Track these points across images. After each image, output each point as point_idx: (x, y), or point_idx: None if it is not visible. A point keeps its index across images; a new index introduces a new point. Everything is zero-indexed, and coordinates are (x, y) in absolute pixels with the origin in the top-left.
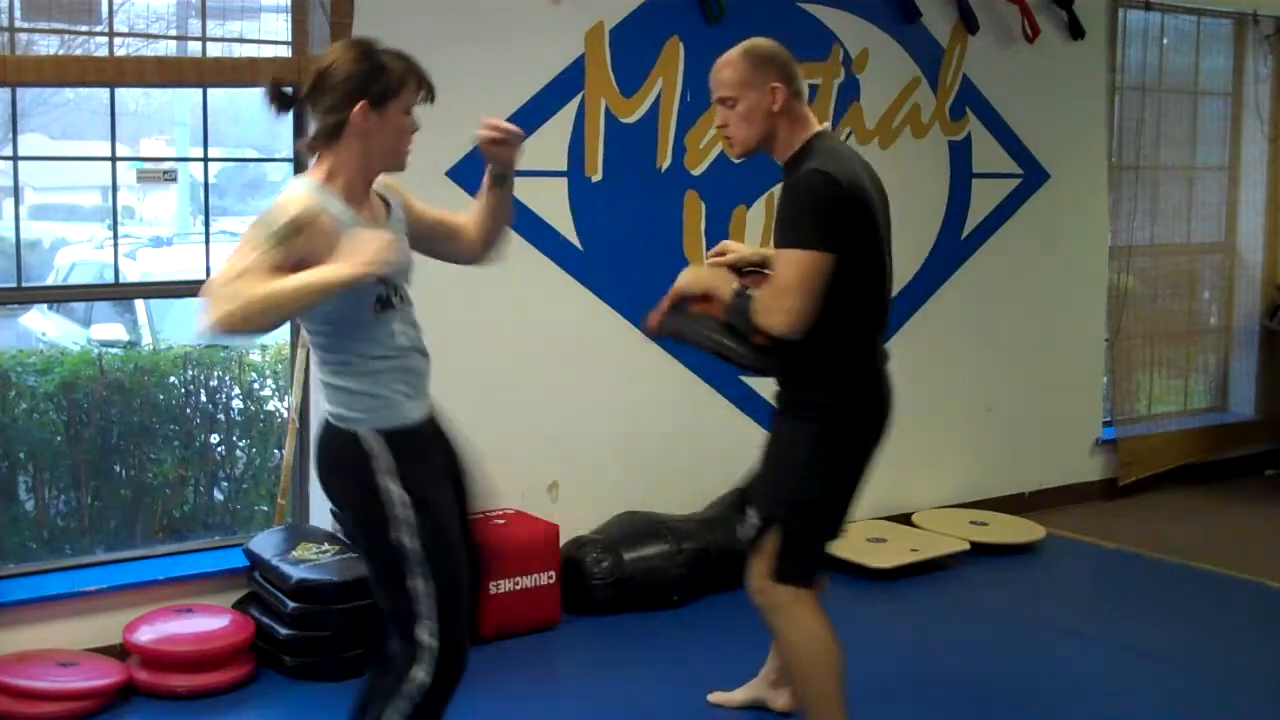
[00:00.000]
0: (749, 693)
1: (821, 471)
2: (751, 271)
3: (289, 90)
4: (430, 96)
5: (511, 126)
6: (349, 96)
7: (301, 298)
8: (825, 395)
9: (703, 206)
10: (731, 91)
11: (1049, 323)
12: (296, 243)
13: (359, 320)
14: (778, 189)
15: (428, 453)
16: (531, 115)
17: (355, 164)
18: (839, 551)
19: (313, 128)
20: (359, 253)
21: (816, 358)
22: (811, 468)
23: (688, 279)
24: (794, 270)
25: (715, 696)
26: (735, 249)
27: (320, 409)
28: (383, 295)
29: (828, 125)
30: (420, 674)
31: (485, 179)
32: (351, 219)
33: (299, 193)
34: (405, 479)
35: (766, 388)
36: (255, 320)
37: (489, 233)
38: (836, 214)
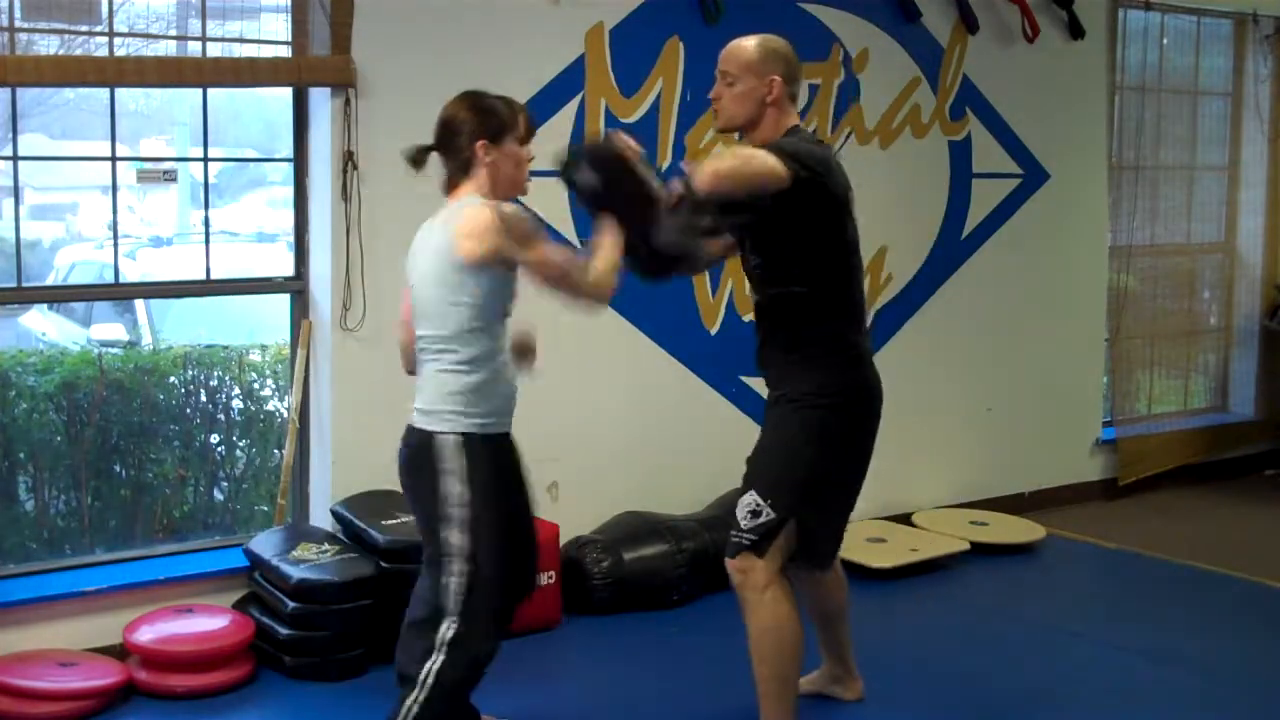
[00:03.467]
0: (811, 685)
1: (816, 452)
2: None
3: (418, 150)
4: (532, 132)
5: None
6: (471, 137)
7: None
8: (812, 381)
9: None
10: (734, 70)
11: (1049, 323)
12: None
13: (495, 321)
14: None
15: (505, 459)
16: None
17: (485, 192)
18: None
19: (446, 171)
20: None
21: (803, 345)
22: (806, 449)
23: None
24: (747, 152)
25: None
26: None
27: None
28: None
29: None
30: (437, 663)
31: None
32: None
33: (485, 205)
34: (472, 482)
35: (766, 388)
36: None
37: None
38: (805, 169)
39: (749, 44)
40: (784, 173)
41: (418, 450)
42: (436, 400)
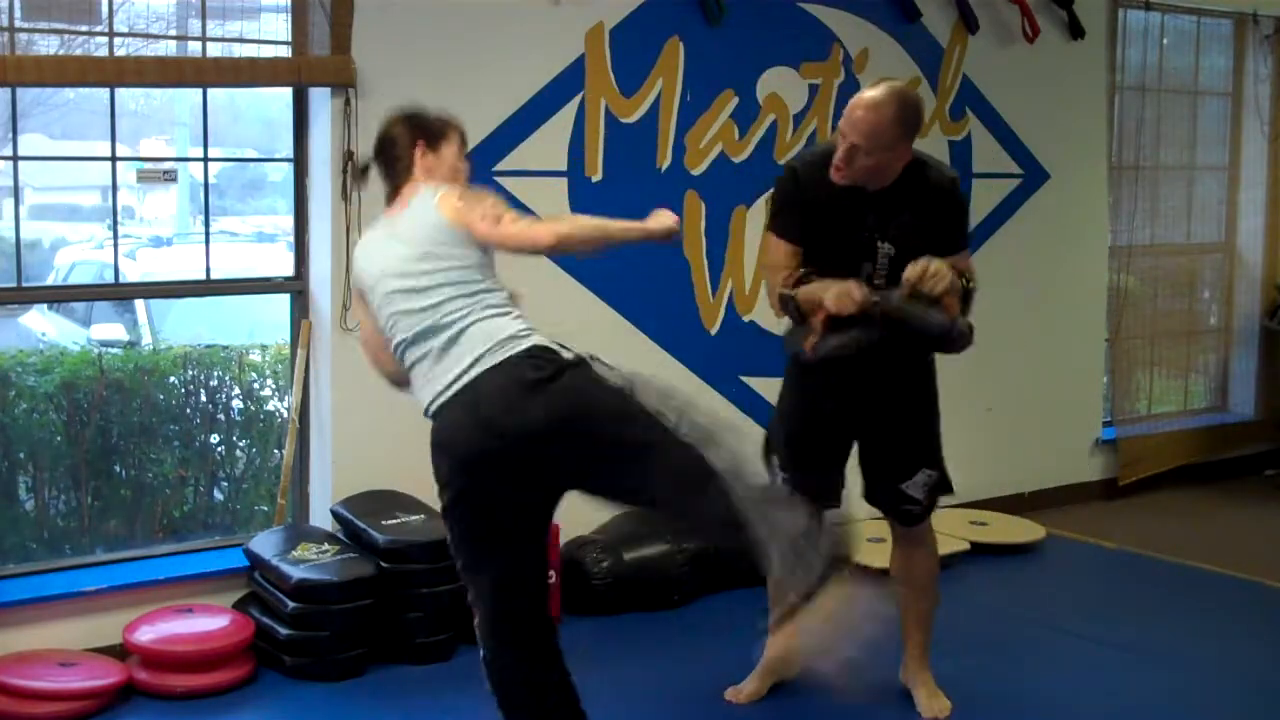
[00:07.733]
0: (760, 680)
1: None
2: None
3: (362, 163)
4: (465, 147)
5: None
6: (409, 145)
7: (623, 238)
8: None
9: (703, 206)
10: (866, 144)
11: (1049, 323)
12: None
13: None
14: None
15: None
16: (531, 115)
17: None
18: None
19: (389, 184)
20: (662, 219)
21: None
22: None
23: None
24: (767, 264)
25: (730, 693)
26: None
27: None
28: None
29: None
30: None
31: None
32: None
33: (447, 187)
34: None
35: (767, 388)
36: (586, 244)
37: None
38: (775, 218)
39: (885, 116)
40: (787, 243)
41: (565, 370)
42: (519, 333)
